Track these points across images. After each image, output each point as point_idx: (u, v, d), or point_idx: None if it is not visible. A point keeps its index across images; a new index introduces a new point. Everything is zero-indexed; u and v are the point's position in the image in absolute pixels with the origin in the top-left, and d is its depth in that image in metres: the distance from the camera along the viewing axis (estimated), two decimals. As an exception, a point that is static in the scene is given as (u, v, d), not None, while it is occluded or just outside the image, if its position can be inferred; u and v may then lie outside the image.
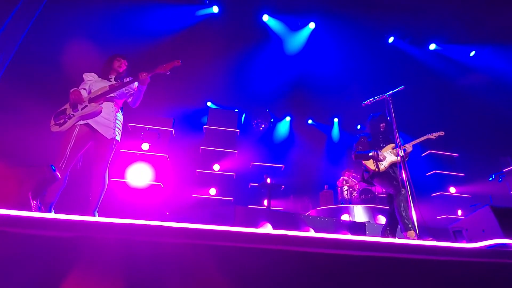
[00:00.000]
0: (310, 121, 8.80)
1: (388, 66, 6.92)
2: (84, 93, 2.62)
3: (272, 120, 8.43)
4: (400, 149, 3.06)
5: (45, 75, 4.77)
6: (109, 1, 5.32)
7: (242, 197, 6.78)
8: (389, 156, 3.41)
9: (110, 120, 2.57)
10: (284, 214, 4.05)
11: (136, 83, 2.73)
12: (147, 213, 5.28)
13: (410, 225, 2.93)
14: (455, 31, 6.34)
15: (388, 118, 3.16)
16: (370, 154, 3.35)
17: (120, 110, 2.73)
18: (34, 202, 1.76)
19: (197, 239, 1.18)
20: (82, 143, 2.47)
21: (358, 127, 8.51)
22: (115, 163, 5.84)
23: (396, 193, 3.19)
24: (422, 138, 3.52)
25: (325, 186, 6.62)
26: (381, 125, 3.55)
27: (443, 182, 7.37)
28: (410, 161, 3.45)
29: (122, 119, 2.75)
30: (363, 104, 3.36)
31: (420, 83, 6.88)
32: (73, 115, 2.48)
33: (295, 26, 6.63)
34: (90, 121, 2.49)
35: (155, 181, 5.87)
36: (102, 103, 2.55)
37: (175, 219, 3.77)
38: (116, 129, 2.60)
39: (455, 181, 7.40)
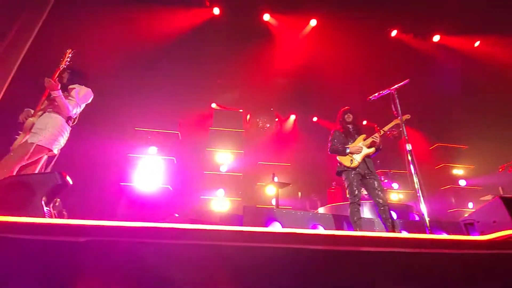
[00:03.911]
0: (315, 119, 8.76)
1: (393, 60, 6.85)
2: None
3: (277, 119, 8.42)
4: (376, 138, 3.45)
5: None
6: (112, 7, 5.38)
7: (250, 196, 6.79)
8: (363, 149, 3.55)
9: (41, 128, 2.70)
10: (293, 212, 4.05)
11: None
12: (156, 215, 5.33)
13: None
14: (459, 21, 6.24)
15: (395, 112, 3.14)
16: (348, 151, 3.54)
17: (59, 117, 2.83)
18: (47, 208, 1.80)
19: (207, 240, 1.19)
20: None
21: (364, 122, 8.44)
22: (123, 167, 5.92)
23: (350, 201, 3.40)
24: (390, 124, 3.57)
25: (333, 183, 6.59)
26: (345, 116, 3.77)
27: (452, 175, 7.27)
28: (418, 154, 3.43)
29: (55, 124, 2.78)
30: (368, 99, 3.35)
31: (426, 75, 6.79)
32: None
33: (297, 23, 6.61)
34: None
35: (164, 184, 5.93)
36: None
37: (184, 221, 3.80)
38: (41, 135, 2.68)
39: (465, 174, 7.29)
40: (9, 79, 3.96)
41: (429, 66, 6.96)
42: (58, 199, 2.31)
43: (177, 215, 4.34)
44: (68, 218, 2.49)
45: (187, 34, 6.16)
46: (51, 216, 1.84)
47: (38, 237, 1.14)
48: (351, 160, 3.51)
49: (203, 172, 6.63)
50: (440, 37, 6.77)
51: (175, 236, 1.14)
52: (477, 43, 6.75)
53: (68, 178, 1.95)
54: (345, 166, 3.53)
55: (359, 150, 3.52)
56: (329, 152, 3.76)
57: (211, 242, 1.15)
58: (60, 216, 2.35)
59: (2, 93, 3.84)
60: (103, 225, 1.13)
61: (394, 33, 6.72)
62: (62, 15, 4.84)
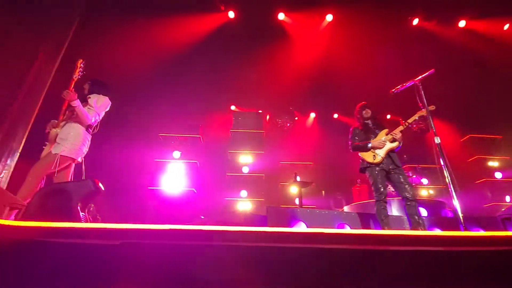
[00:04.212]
0: (335, 115, 8.59)
1: (416, 50, 6.57)
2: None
3: (296, 118, 8.36)
4: (393, 134, 3.35)
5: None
6: (127, 20, 5.59)
7: (273, 197, 6.78)
8: (386, 143, 3.42)
9: (63, 138, 2.83)
10: (317, 211, 4.00)
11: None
12: (182, 218, 5.48)
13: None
14: (486, 3, 5.87)
15: (420, 104, 3.02)
16: (370, 145, 3.42)
17: (80, 126, 2.93)
18: (83, 213, 1.91)
19: (233, 241, 1.21)
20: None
21: (388, 116, 8.15)
22: (150, 172, 6.15)
23: (376, 199, 3.28)
24: (414, 117, 3.36)
25: (358, 180, 6.43)
26: (364, 112, 3.65)
27: (487, 167, 6.84)
28: (448, 147, 3.29)
29: (76, 134, 2.89)
30: (391, 92, 3.25)
31: (452, 63, 6.44)
32: None
33: (312, 20, 6.52)
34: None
35: (188, 187, 6.08)
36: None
37: (210, 223, 3.88)
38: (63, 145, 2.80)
39: (501, 165, 6.83)
40: (43, 94, 4.25)
41: (456, 53, 6.58)
42: (92, 205, 2.44)
43: (202, 217, 4.44)
44: (102, 222, 2.62)
45: (204, 40, 6.28)
46: (86, 221, 1.95)
47: (75, 241, 1.21)
48: (374, 155, 3.39)
49: (226, 174, 6.72)
50: (466, 22, 6.39)
51: (202, 237, 1.17)
52: (506, 26, 6.31)
53: (100, 185, 2.06)
54: (368, 162, 3.42)
55: (381, 145, 3.39)
56: (351, 151, 3.68)
57: (237, 243, 1.17)
58: (94, 220, 2.49)
59: (37, 108, 4.13)
60: (134, 228, 1.18)
61: (415, 21, 6.44)
62: (89, 29, 5.12)
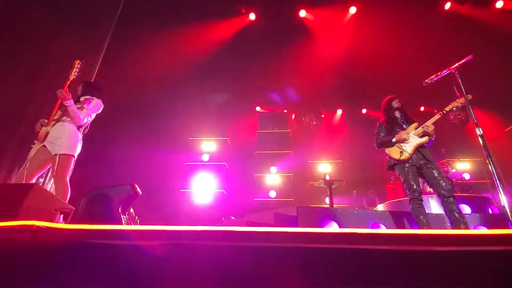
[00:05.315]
0: (364, 111, 8.31)
1: (450, 36, 6.15)
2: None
3: (322, 115, 8.20)
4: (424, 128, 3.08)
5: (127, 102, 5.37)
6: (155, 28, 5.83)
7: (302, 197, 6.72)
8: (413, 139, 3.16)
9: (57, 137, 2.78)
10: (349, 210, 3.88)
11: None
12: (214, 218, 5.61)
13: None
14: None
15: (458, 94, 2.83)
16: (394, 140, 3.20)
17: (72, 126, 2.90)
18: (124, 216, 2.03)
19: (264, 242, 1.22)
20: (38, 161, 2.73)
21: (422, 108, 7.71)
22: (182, 175, 6.37)
23: (410, 197, 3.05)
24: (449, 107, 3.10)
25: (391, 177, 6.16)
26: (393, 102, 3.43)
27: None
28: (491, 137, 3.04)
29: (69, 132, 2.84)
30: (424, 83, 3.06)
31: (491, 48, 5.94)
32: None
33: (335, 14, 6.36)
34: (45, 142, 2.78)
35: (218, 189, 6.21)
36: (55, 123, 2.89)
37: (240, 223, 3.92)
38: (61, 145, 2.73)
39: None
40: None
41: (494, 37, 6.06)
42: (132, 208, 2.58)
43: (233, 217, 4.51)
44: (140, 224, 2.76)
45: (228, 44, 6.39)
46: (127, 223, 2.08)
47: (117, 242, 1.29)
48: (401, 152, 3.17)
49: (254, 175, 6.77)
50: (504, 2, 5.86)
51: (236, 238, 1.19)
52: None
53: (138, 189, 2.18)
54: (394, 159, 3.21)
55: (403, 139, 3.17)
56: (376, 148, 3.48)
57: (268, 244, 1.18)
58: (133, 222, 2.63)
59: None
60: (172, 230, 1.24)
61: (447, 5, 6.03)
62: (121, 36, 5.43)
